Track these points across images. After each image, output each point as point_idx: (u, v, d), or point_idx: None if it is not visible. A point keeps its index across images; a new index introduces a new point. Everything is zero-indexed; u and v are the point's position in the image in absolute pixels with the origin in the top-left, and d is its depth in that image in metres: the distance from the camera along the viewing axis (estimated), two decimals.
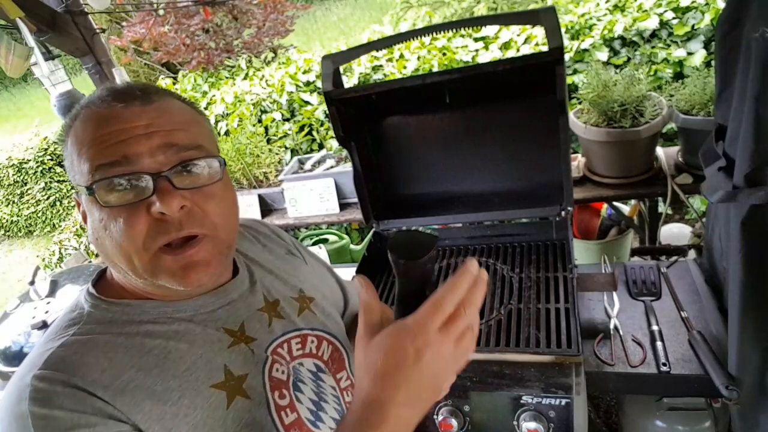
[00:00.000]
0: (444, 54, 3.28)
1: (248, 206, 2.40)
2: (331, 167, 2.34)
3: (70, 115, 0.62)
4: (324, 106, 3.31)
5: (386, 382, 0.49)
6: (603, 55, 2.73)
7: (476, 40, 3.27)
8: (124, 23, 6.01)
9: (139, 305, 0.65)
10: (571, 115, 1.79)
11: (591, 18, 2.99)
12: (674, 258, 1.44)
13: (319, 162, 2.44)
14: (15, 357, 1.82)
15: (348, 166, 2.26)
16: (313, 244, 3.04)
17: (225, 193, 0.66)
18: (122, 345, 0.60)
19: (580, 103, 1.82)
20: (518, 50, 3.04)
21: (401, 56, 3.43)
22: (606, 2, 3.09)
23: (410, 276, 0.50)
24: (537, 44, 3.01)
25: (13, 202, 6.70)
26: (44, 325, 1.73)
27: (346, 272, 1.62)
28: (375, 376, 0.49)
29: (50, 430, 0.50)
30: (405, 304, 0.49)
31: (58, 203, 6.56)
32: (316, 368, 0.75)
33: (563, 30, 2.90)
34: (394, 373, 0.48)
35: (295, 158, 2.50)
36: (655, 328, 1.19)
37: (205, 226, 0.62)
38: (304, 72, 3.76)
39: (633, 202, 2.35)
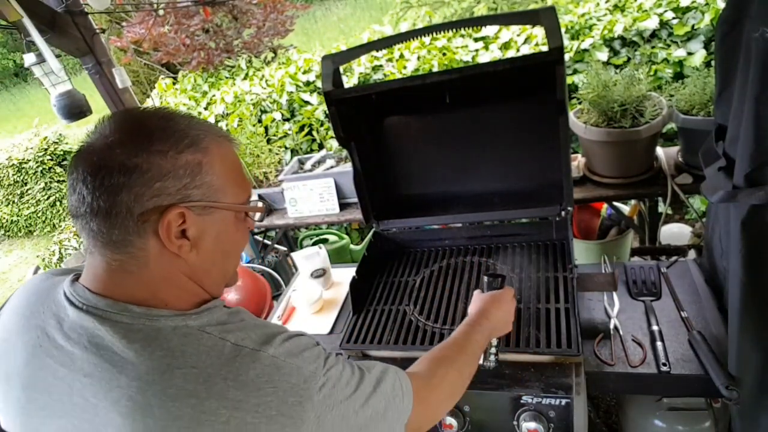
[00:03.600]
0: (444, 54, 3.28)
1: None
2: (331, 167, 2.34)
3: (210, 139, 0.67)
4: (324, 106, 3.31)
5: (486, 315, 1.01)
6: (603, 55, 2.73)
7: (476, 40, 3.27)
8: (124, 23, 6.01)
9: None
10: (571, 115, 1.79)
11: (591, 18, 2.99)
12: (674, 258, 1.44)
13: (319, 162, 2.44)
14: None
15: (348, 166, 2.26)
16: (313, 244, 3.04)
17: None
18: None
19: (580, 103, 1.82)
20: (518, 50, 3.04)
21: (401, 56, 3.43)
22: (606, 2, 3.09)
23: (496, 287, 1.10)
24: (537, 44, 3.01)
25: (13, 202, 6.69)
26: None
27: (346, 272, 1.62)
28: (483, 311, 1.02)
29: None
30: (492, 288, 1.10)
31: (58, 203, 6.55)
32: None
33: (563, 30, 2.90)
34: (488, 309, 1.03)
35: (295, 158, 2.50)
36: (655, 328, 1.19)
37: None
38: (304, 72, 3.76)
39: (633, 202, 2.35)
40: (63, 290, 0.67)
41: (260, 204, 0.77)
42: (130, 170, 0.60)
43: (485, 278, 1.10)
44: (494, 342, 1.05)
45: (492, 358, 1.04)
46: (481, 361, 1.02)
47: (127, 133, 0.63)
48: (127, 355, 0.60)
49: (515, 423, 1.08)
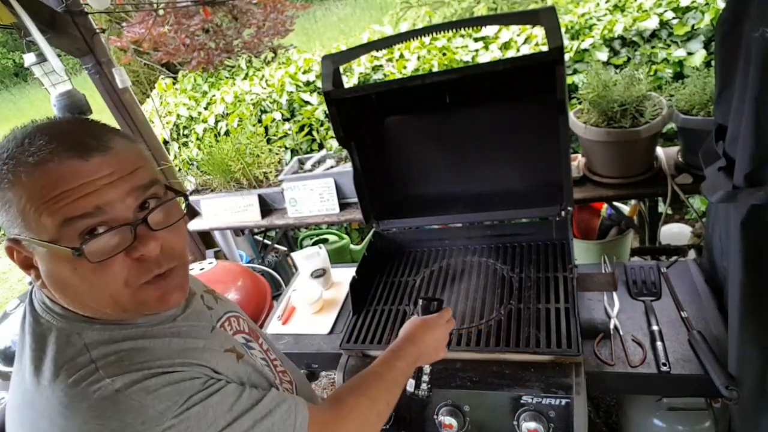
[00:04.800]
0: (444, 54, 3.28)
1: (248, 206, 2.40)
2: (331, 167, 2.34)
3: (20, 170, 0.58)
4: (324, 106, 3.31)
5: (413, 339, 0.97)
6: (603, 55, 2.73)
7: (476, 40, 3.26)
8: (124, 23, 6.00)
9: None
10: (571, 115, 1.79)
11: (591, 18, 2.99)
12: (674, 258, 1.44)
13: (319, 162, 2.44)
14: (15, 357, 1.82)
15: (348, 166, 2.26)
16: (313, 243, 3.05)
17: (183, 222, 0.72)
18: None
19: (580, 103, 1.82)
20: (518, 50, 3.04)
21: (401, 56, 3.43)
22: (606, 2, 3.09)
23: (432, 311, 1.05)
24: (537, 44, 3.01)
25: None
26: None
27: (346, 272, 1.62)
28: (409, 335, 0.97)
29: None
30: (427, 312, 1.05)
31: None
32: (245, 340, 0.88)
33: (563, 30, 2.90)
34: (418, 335, 0.98)
35: (295, 158, 2.50)
36: (655, 328, 1.19)
37: (176, 258, 0.69)
38: (304, 72, 3.76)
39: (633, 202, 2.35)
40: None
41: (90, 234, 0.60)
42: None
43: (420, 302, 1.05)
44: (427, 369, 1.01)
45: (424, 386, 1.00)
46: (411, 389, 0.99)
47: None
48: (26, 345, 0.66)
49: (515, 423, 1.08)
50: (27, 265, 0.64)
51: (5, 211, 0.60)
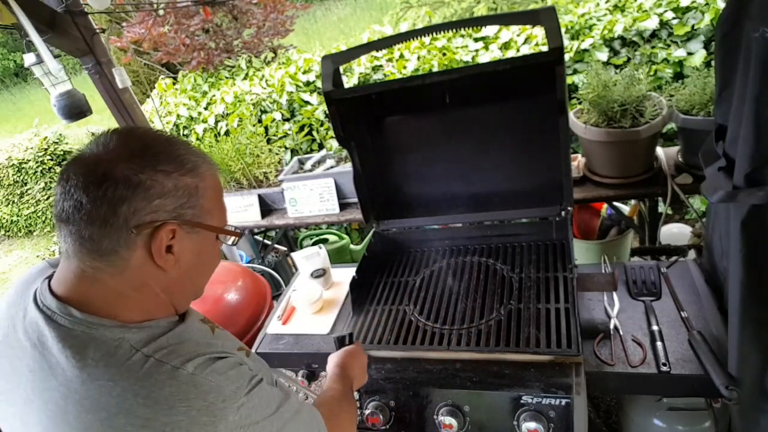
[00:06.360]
0: (444, 54, 3.28)
1: (248, 206, 2.40)
2: (331, 167, 2.34)
3: (206, 167, 0.73)
4: (324, 106, 3.31)
5: (346, 367, 1.10)
6: (603, 55, 2.73)
7: (476, 40, 3.27)
8: (124, 23, 6.00)
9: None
10: (571, 115, 1.79)
11: (591, 18, 2.99)
12: (674, 258, 1.44)
13: (319, 162, 2.44)
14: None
15: (348, 166, 2.26)
16: (313, 244, 3.05)
17: None
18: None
19: (580, 103, 1.82)
20: (518, 50, 3.04)
21: (401, 56, 3.43)
22: (606, 2, 3.09)
23: (346, 344, 1.19)
24: (537, 44, 3.01)
25: (13, 202, 6.68)
26: None
27: (346, 272, 1.62)
28: (342, 364, 1.10)
29: None
30: (343, 345, 1.19)
31: None
32: None
33: (563, 30, 2.90)
34: (349, 363, 1.11)
35: (295, 158, 2.50)
36: (655, 328, 1.19)
37: None
38: (304, 72, 3.76)
39: (633, 202, 2.35)
40: (37, 286, 0.71)
41: (237, 230, 0.82)
42: (134, 185, 0.64)
43: (335, 339, 1.20)
44: (355, 396, 1.14)
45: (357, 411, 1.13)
46: None
47: (134, 150, 0.67)
48: (60, 358, 0.63)
49: (515, 423, 1.08)
50: (166, 248, 0.69)
51: (189, 193, 0.70)
